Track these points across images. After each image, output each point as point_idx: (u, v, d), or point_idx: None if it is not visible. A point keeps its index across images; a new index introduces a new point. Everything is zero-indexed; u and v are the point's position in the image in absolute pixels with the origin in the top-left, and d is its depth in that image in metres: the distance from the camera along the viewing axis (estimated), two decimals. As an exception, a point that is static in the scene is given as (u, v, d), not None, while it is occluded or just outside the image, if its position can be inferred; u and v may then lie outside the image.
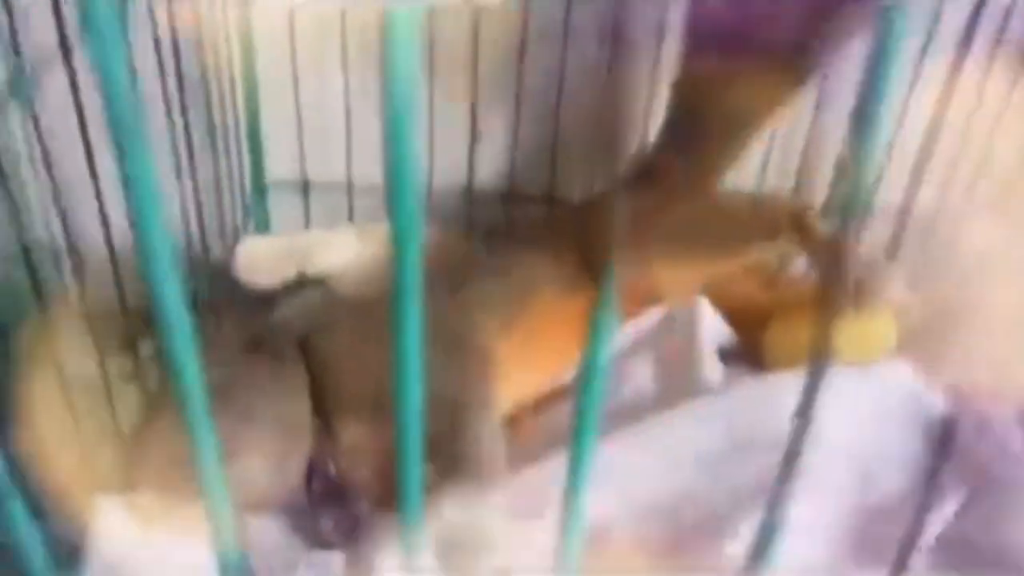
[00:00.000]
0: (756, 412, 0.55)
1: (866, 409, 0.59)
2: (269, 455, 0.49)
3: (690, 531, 0.50)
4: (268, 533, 0.51)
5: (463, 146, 0.76)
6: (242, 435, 0.48)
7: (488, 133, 0.76)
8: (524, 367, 0.60)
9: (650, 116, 0.74)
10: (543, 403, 0.61)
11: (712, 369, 0.60)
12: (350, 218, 0.77)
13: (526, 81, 0.73)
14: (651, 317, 0.65)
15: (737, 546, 0.48)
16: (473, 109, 0.74)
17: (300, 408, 0.52)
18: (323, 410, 0.53)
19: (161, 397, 0.52)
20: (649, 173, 0.69)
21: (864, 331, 0.62)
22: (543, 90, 0.74)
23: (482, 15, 0.70)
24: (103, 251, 0.49)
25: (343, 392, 0.53)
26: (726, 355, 0.65)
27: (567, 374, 0.62)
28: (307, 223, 0.78)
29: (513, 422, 0.59)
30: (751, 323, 0.65)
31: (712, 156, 0.69)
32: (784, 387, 0.57)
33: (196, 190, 0.61)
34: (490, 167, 0.78)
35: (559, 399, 0.62)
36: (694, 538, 0.50)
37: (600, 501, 0.52)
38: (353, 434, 0.53)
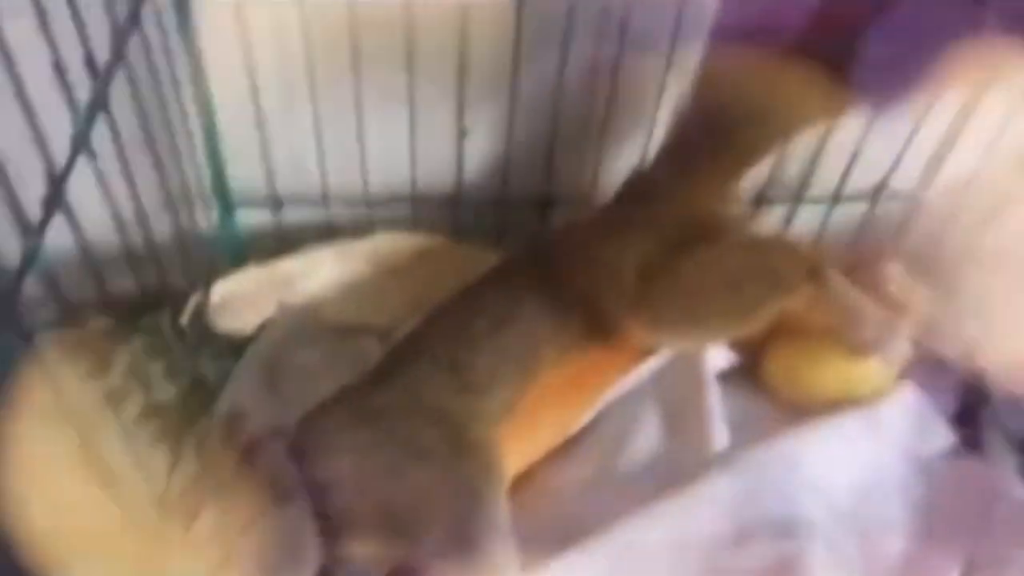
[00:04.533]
0: (763, 491, 0.55)
1: (869, 461, 0.59)
2: None
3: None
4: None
5: (451, 147, 0.69)
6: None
7: (478, 133, 0.68)
8: (528, 437, 0.58)
9: (652, 135, 0.68)
10: (549, 459, 0.60)
11: (720, 430, 0.59)
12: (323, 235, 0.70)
13: (521, 81, 0.65)
14: (655, 361, 0.62)
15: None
16: (460, 103, 0.66)
17: (304, 535, 0.50)
18: (328, 524, 0.51)
19: None
20: (645, 189, 0.64)
21: (864, 372, 0.61)
22: (538, 89, 0.66)
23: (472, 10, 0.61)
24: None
25: (349, 512, 0.51)
26: (726, 376, 0.64)
27: (573, 428, 0.61)
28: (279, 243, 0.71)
29: (519, 483, 0.58)
30: (751, 344, 0.64)
31: (724, 163, 0.63)
32: (791, 457, 0.57)
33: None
34: (480, 169, 0.71)
35: (565, 454, 0.61)
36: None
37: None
38: (364, 549, 0.52)
